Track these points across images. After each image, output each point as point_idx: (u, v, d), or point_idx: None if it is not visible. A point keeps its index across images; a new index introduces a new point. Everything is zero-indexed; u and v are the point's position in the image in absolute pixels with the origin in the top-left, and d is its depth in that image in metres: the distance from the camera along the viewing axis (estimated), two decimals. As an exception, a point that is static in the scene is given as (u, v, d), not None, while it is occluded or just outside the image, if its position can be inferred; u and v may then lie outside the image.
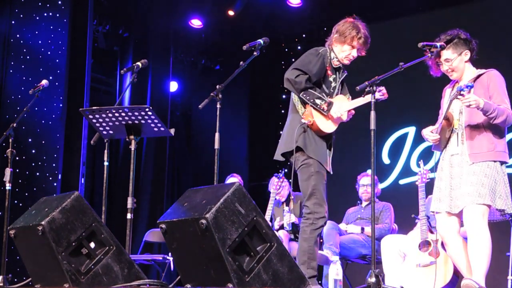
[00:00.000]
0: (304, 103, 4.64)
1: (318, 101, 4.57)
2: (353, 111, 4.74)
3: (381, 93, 4.63)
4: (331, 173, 4.69)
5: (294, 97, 4.72)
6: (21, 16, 8.08)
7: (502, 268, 5.65)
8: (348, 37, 4.67)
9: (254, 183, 9.90)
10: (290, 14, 9.34)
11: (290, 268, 3.56)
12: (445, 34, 4.48)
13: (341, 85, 4.80)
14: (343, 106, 4.66)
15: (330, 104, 4.58)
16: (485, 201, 4.24)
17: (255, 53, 4.74)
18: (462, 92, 4.16)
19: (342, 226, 6.56)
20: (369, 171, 6.87)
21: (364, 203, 6.76)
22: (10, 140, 5.40)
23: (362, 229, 6.45)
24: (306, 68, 4.60)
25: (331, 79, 4.72)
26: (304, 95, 4.59)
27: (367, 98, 4.27)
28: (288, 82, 4.61)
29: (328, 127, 4.64)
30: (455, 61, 4.45)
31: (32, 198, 7.19)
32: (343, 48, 4.71)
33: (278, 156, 4.78)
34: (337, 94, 4.73)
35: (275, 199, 7.03)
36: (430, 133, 4.47)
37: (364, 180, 6.78)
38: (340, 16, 4.86)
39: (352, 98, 4.76)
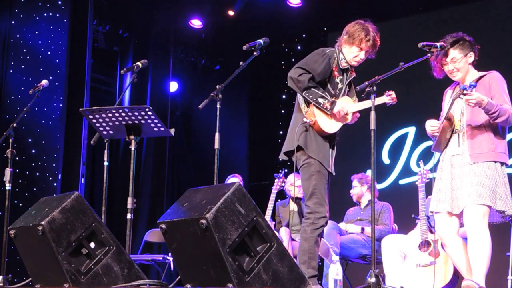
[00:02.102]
0: (308, 103, 4.63)
1: (320, 100, 4.56)
2: (358, 114, 4.72)
3: (390, 97, 4.61)
4: (334, 174, 4.68)
5: (299, 96, 4.70)
6: (21, 16, 8.08)
7: (502, 268, 5.65)
8: (356, 39, 4.65)
9: (254, 183, 9.90)
10: (290, 14, 9.33)
11: (290, 268, 3.56)
12: (450, 36, 4.49)
13: (348, 87, 4.78)
14: (348, 107, 4.64)
15: (333, 103, 4.57)
16: (485, 201, 4.23)
17: (255, 53, 4.73)
18: (465, 92, 4.17)
19: (342, 225, 6.56)
20: (369, 171, 6.87)
21: (363, 204, 6.75)
22: (10, 140, 5.40)
23: (362, 229, 6.45)
24: (310, 67, 4.59)
25: (337, 80, 4.70)
26: (307, 94, 4.57)
27: (376, 101, 4.25)
28: (291, 81, 4.60)
29: (331, 127, 4.62)
30: (461, 61, 4.45)
31: (32, 198, 7.20)
32: (351, 49, 4.69)
33: (281, 155, 4.78)
34: (343, 96, 4.71)
35: (289, 196, 7.01)
36: (431, 126, 4.45)
37: (354, 182, 6.81)
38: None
39: (359, 101, 4.73)
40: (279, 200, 7.54)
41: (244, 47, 4.73)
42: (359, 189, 6.73)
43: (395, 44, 8.08)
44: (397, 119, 8.47)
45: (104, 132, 4.77)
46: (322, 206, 4.54)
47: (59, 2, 8.20)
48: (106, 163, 5.19)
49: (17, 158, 7.18)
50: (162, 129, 4.67)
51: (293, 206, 6.86)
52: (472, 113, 4.37)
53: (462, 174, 4.35)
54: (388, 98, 4.62)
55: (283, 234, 6.56)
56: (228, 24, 9.64)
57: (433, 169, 4.63)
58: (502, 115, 4.24)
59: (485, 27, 8.01)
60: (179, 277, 3.87)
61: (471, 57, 4.47)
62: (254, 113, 10.59)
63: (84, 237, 3.99)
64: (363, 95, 4.33)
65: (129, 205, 4.59)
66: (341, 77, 4.71)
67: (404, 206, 6.72)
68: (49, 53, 8.08)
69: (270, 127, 10.10)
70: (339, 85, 4.71)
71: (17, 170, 7.23)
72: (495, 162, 4.32)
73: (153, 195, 9.34)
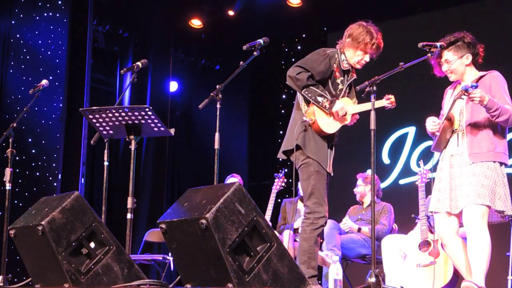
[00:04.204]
0: (308, 102, 4.62)
1: (319, 99, 4.55)
2: (357, 116, 4.71)
3: (389, 101, 4.61)
4: (332, 174, 4.68)
5: (299, 95, 4.69)
6: (21, 16, 8.08)
7: (502, 268, 5.65)
8: (361, 43, 4.65)
9: (254, 183, 9.90)
10: (290, 14, 9.33)
11: (290, 268, 3.56)
12: (450, 35, 4.48)
13: (348, 89, 4.77)
14: (347, 108, 4.64)
15: (332, 102, 4.56)
16: (484, 201, 4.23)
17: (255, 53, 4.73)
18: (468, 91, 4.19)
19: (344, 221, 6.53)
20: (369, 171, 6.87)
21: (365, 204, 6.76)
22: (10, 140, 5.39)
23: (359, 229, 6.45)
24: (309, 66, 4.58)
25: (338, 81, 4.69)
26: (306, 92, 4.56)
27: (375, 104, 4.25)
28: (290, 79, 4.60)
29: (330, 127, 4.61)
30: (454, 63, 4.45)
31: (32, 198, 7.19)
32: (356, 53, 4.68)
33: (280, 154, 4.77)
34: (342, 97, 4.71)
35: (298, 195, 6.98)
36: (433, 122, 4.45)
37: (358, 181, 6.81)
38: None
39: (359, 102, 4.73)
40: (286, 196, 7.54)
41: (244, 47, 4.72)
42: (363, 188, 6.73)
43: (395, 44, 8.08)
44: (397, 119, 8.47)
45: (104, 132, 4.76)
46: (322, 206, 4.54)
47: (59, 2, 8.20)
48: (106, 163, 5.19)
49: (17, 158, 7.18)
50: (162, 129, 4.67)
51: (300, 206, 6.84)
52: (472, 113, 4.37)
53: (461, 174, 4.35)
54: (388, 102, 4.60)
55: (286, 236, 6.55)
56: (228, 24, 9.64)
57: (433, 169, 4.63)
58: (503, 114, 4.23)
59: (485, 27, 8.01)
60: (179, 277, 3.87)
61: (468, 58, 4.46)
62: (254, 113, 10.59)
63: (84, 237, 3.99)
64: (363, 95, 4.32)
65: (129, 205, 4.59)
66: (341, 78, 4.71)
67: (404, 206, 6.72)
68: (49, 53, 8.08)
69: (270, 127, 10.10)
70: (340, 86, 4.70)
71: (17, 170, 7.23)
72: (494, 162, 4.31)
73: (153, 195, 9.34)
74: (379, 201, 6.63)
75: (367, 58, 4.71)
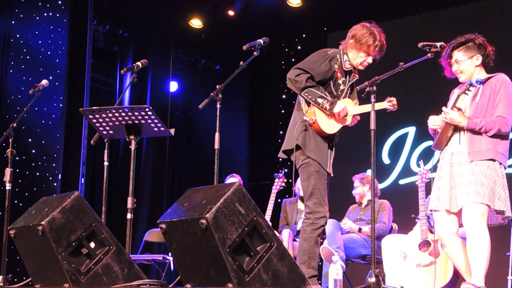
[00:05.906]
0: (308, 103, 4.62)
1: (319, 100, 4.55)
2: (358, 117, 4.71)
3: (390, 103, 4.60)
4: (332, 175, 4.68)
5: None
6: (21, 16, 8.09)
7: (502, 268, 5.65)
8: (364, 45, 4.64)
9: (254, 183, 9.91)
10: (290, 14, 9.34)
11: (290, 268, 3.56)
12: (462, 36, 4.49)
13: (350, 89, 4.77)
14: (348, 109, 4.64)
15: (333, 103, 4.55)
16: (483, 200, 4.23)
17: (255, 53, 4.73)
18: (470, 88, 4.18)
19: (343, 221, 6.54)
20: (369, 171, 6.88)
21: (363, 204, 6.75)
22: (10, 140, 5.40)
23: (360, 229, 6.45)
24: (308, 67, 4.58)
25: (340, 81, 4.68)
26: (306, 94, 4.56)
27: (377, 106, 4.25)
28: (289, 81, 4.60)
29: (330, 128, 4.61)
30: (464, 63, 4.45)
31: (32, 198, 7.19)
32: (359, 54, 4.67)
33: (281, 154, 4.78)
34: (344, 97, 4.71)
35: (297, 194, 6.98)
36: (434, 122, 4.45)
37: (355, 182, 6.80)
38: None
39: (360, 102, 4.73)
40: (286, 196, 7.53)
41: (244, 47, 4.72)
42: (361, 189, 6.73)
43: (395, 44, 8.07)
44: (397, 119, 8.47)
45: (104, 132, 4.77)
46: (322, 206, 4.54)
47: (59, 2, 8.21)
48: (106, 163, 5.19)
49: (17, 158, 7.18)
50: (162, 129, 4.67)
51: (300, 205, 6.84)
52: (475, 111, 4.36)
53: (461, 172, 4.34)
54: (389, 104, 4.60)
55: (285, 236, 6.55)
56: (228, 24, 9.64)
57: (433, 169, 4.63)
58: (489, 129, 4.27)
59: (485, 27, 8.00)
60: (179, 277, 3.87)
61: (478, 59, 4.45)
62: (254, 113, 10.60)
63: (84, 237, 3.99)
64: (363, 95, 4.33)
65: (129, 205, 4.59)
66: (343, 79, 4.70)
67: (404, 206, 6.72)
68: (49, 53, 8.08)
69: (270, 127, 10.10)
70: (341, 87, 4.69)
71: (17, 170, 7.24)
72: (493, 160, 4.31)
73: (153, 195, 9.34)
74: (376, 199, 6.62)
75: (370, 59, 4.71)
